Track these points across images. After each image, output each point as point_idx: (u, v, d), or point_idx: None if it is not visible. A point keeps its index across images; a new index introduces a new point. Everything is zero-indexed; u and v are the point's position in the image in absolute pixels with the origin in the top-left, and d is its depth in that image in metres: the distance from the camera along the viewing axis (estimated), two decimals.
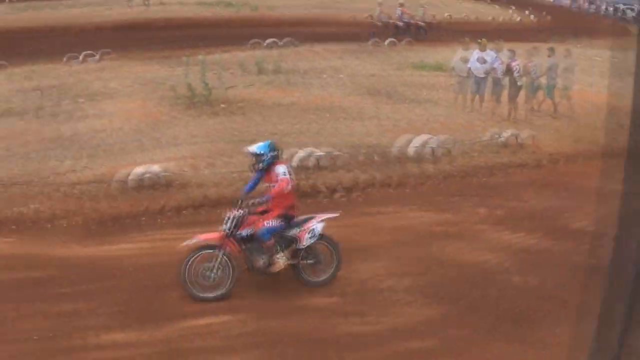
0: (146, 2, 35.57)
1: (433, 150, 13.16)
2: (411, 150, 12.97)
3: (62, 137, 13.62)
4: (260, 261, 8.30)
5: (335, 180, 11.94)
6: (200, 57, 17.56)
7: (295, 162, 11.79)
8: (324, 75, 19.32)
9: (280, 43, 23.95)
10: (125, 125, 14.26)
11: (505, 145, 14.31)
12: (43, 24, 29.93)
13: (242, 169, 10.97)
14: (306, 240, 8.41)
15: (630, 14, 73.98)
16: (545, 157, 14.52)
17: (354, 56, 22.96)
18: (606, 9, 75.69)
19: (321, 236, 8.52)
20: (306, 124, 14.52)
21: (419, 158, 12.92)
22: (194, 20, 31.10)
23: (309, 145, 12.67)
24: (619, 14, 74.03)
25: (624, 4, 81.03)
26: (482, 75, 16.20)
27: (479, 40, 17.03)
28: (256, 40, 23.94)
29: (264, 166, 8.38)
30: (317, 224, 8.49)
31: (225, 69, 19.12)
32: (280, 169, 8.33)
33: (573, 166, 14.80)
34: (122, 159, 12.38)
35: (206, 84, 15.59)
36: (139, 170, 11.37)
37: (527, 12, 45.95)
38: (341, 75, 19.46)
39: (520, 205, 11.92)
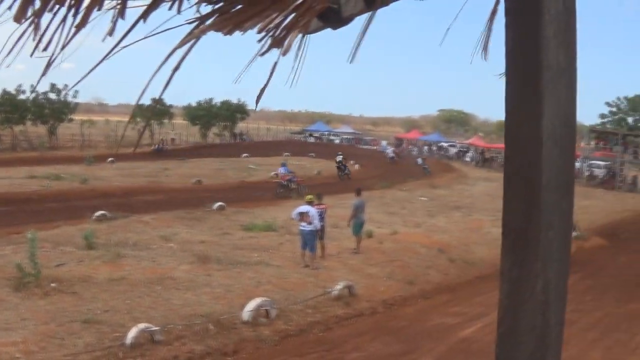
0: None
1: (267, 312, 13.10)
2: (245, 315, 12.81)
3: None
4: None
5: (171, 354, 11.41)
6: (29, 234, 16.75)
7: (128, 340, 11.21)
8: (154, 246, 19.03)
9: (109, 215, 23.46)
10: None
11: (338, 298, 14.61)
12: None
13: (76, 351, 10.74)
14: None
15: (452, 150, 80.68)
16: (380, 304, 14.95)
17: (183, 224, 23.10)
18: (429, 149, 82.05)
19: None
20: (137, 298, 13.97)
21: (254, 322, 12.77)
22: (25, 194, 29.97)
23: (142, 320, 12.16)
24: (442, 151, 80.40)
25: (446, 142, 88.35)
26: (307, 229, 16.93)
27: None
28: (86, 212, 23.40)
29: None
30: None
31: (57, 245, 18.40)
32: None
33: (408, 309, 15.25)
34: None
35: (35, 263, 14.79)
36: None
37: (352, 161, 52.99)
38: (171, 245, 19.29)
39: (361, 355, 11.97)
